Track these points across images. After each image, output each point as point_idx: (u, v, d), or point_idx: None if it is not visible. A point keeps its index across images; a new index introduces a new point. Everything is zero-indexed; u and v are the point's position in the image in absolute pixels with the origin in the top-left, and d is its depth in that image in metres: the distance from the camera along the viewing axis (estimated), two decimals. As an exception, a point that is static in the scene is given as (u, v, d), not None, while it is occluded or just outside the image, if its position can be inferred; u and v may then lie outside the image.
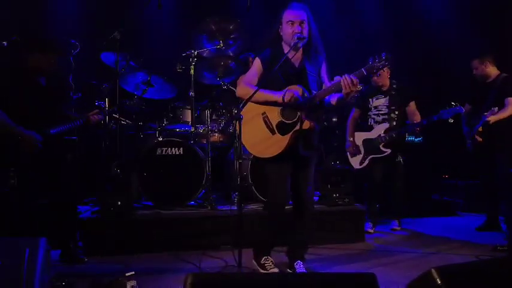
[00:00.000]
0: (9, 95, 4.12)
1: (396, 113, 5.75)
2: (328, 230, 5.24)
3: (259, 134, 3.86)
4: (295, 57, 3.90)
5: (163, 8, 5.84)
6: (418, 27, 8.05)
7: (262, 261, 4.02)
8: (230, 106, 5.76)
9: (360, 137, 5.90)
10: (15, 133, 3.97)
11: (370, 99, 5.91)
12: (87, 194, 5.65)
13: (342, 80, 3.48)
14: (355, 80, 3.45)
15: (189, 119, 5.63)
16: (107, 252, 4.65)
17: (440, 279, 2.15)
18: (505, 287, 2.25)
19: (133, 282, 3.52)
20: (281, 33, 3.89)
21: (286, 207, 3.97)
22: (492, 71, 5.75)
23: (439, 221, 6.67)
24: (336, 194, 5.45)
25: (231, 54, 5.87)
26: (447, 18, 7.97)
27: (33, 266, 2.78)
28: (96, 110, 4.74)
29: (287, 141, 3.77)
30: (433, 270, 2.21)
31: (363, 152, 5.85)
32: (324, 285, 2.16)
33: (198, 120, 5.65)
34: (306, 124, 3.74)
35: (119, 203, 4.88)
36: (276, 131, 3.82)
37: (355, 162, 5.88)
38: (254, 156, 5.21)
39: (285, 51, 3.84)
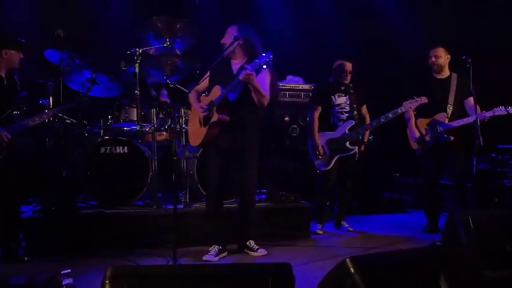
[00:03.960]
0: None
1: (356, 111, 5.60)
2: (274, 227, 5.27)
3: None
4: None
5: (111, 6, 5.80)
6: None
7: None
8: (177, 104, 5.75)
9: (324, 138, 5.58)
10: None
11: (333, 97, 5.63)
12: (30, 193, 5.56)
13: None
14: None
15: (135, 117, 5.59)
16: (50, 251, 4.62)
17: (354, 268, 2.20)
18: (417, 275, 2.32)
19: (69, 280, 3.50)
20: None
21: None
22: (447, 66, 5.50)
23: (387, 218, 6.79)
24: (282, 192, 5.45)
25: (178, 52, 5.86)
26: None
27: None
28: None
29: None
30: (347, 260, 2.26)
31: (328, 152, 5.53)
32: (241, 275, 2.19)
33: (144, 118, 5.62)
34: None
35: (62, 202, 4.85)
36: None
37: (322, 164, 5.55)
38: (201, 153, 5.30)
39: None
